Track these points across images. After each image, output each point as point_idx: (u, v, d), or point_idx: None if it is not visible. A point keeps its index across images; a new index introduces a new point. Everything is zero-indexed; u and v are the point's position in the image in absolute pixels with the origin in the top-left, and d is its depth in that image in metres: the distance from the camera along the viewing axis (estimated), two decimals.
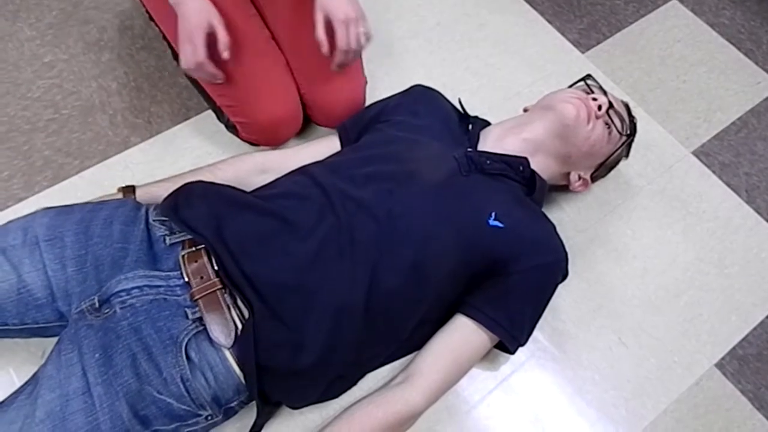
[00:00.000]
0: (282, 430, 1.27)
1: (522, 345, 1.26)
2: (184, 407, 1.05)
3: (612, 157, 1.43)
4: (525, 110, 1.50)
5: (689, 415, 1.37)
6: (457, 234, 1.20)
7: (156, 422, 1.04)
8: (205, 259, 1.14)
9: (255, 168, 1.41)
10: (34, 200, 1.50)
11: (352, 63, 1.44)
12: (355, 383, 1.29)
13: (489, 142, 1.37)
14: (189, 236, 1.17)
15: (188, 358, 1.05)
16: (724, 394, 1.41)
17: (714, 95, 1.86)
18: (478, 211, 1.22)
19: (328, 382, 1.19)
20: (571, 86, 1.48)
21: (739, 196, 1.68)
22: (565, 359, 1.40)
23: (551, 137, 1.35)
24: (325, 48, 1.34)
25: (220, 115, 1.58)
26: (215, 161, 1.46)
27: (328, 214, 1.17)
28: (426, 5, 1.93)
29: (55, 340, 1.12)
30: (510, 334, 1.23)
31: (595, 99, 1.36)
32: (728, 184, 1.69)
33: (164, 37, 1.57)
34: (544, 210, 1.38)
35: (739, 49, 1.96)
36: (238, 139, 1.58)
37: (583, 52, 1.90)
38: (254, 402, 1.13)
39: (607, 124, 1.37)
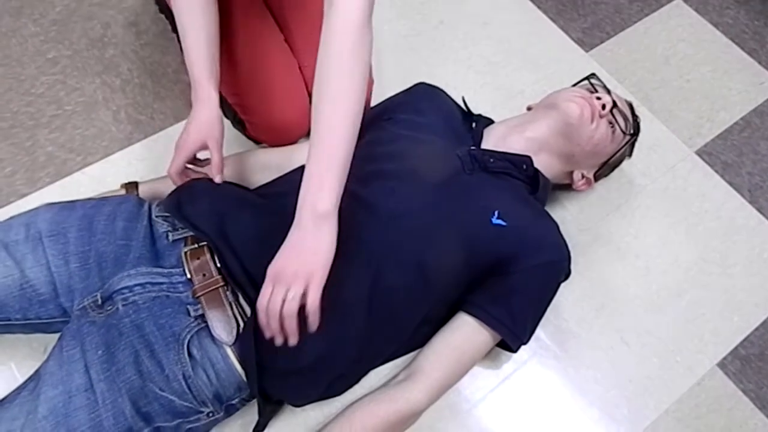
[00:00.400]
0: (284, 428, 1.27)
1: (524, 344, 1.26)
2: (186, 404, 1.06)
3: (615, 157, 1.43)
4: (528, 109, 1.50)
5: (691, 414, 1.37)
6: (460, 232, 1.20)
7: (158, 419, 1.05)
8: (208, 256, 1.14)
9: (257, 165, 1.41)
10: (37, 196, 1.50)
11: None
12: (357, 381, 1.29)
13: (492, 141, 1.37)
14: (192, 233, 1.17)
15: (190, 355, 1.06)
16: (726, 393, 1.41)
17: (717, 95, 1.86)
18: (481, 209, 1.22)
19: (330, 380, 1.19)
20: (574, 85, 1.48)
21: (742, 195, 1.67)
22: (567, 358, 1.40)
23: (555, 136, 1.35)
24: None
25: (227, 112, 1.58)
26: None
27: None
28: (429, 3, 1.93)
29: (57, 336, 1.12)
30: (512, 332, 1.23)
31: (599, 98, 1.36)
32: (731, 184, 1.69)
33: (174, 30, 1.57)
34: (547, 209, 1.38)
35: (742, 48, 1.96)
36: (241, 136, 1.58)
37: (586, 51, 1.90)
38: (256, 399, 1.13)
39: (610, 123, 1.37)
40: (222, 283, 1.11)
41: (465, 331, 1.23)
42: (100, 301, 1.10)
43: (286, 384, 1.13)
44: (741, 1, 2.07)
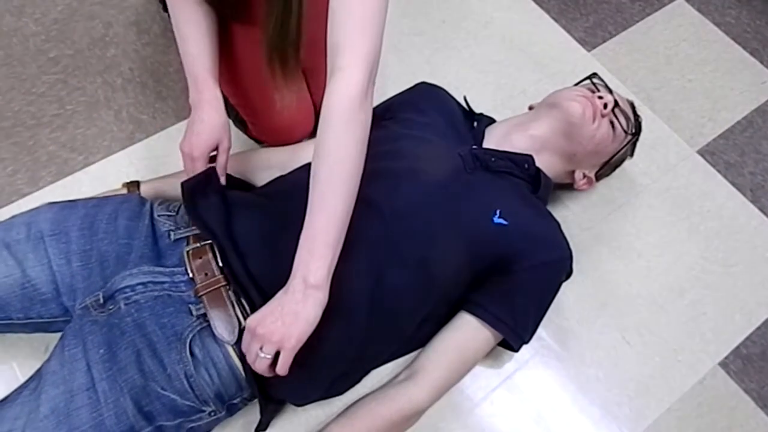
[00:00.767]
0: (286, 427, 1.27)
1: (526, 343, 1.26)
2: (187, 403, 1.06)
3: (617, 156, 1.43)
4: (530, 108, 1.50)
5: (693, 413, 1.37)
6: (462, 231, 1.20)
7: (160, 418, 1.04)
8: (210, 255, 1.13)
9: (260, 164, 1.41)
10: (39, 195, 1.50)
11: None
12: (358, 381, 1.29)
13: (494, 140, 1.37)
14: (194, 232, 1.17)
15: (192, 354, 1.05)
16: (727, 393, 1.41)
17: (719, 94, 1.86)
18: (483, 208, 1.22)
19: (332, 379, 1.18)
20: (576, 84, 1.48)
21: (744, 195, 1.67)
22: (569, 357, 1.40)
23: (557, 135, 1.35)
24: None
25: (228, 111, 1.57)
26: None
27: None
28: (432, 2, 1.93)
29: (58, 335, 1.13)
30: (514, 331, 1.23)
31: (600, 97, 1.36)
32: (733, 183, 1.69)
33: None
34: (549, 207, 1.38)
35: (744, 48, 1.95)
36: (243, 136, 1.58)
37: (588, 51, 1.90)
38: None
39: (612, 122, 1.37)
40: (224, 283, 1.11)
41: (466, 330, 1.23)
42: (102, 301, 1.10)
43: (287, 384, 1.13)
44: (743, 0, 2.06)
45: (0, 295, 1.11)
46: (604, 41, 1.93)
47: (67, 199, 1.25)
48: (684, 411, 1.37)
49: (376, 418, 1.17)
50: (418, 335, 1.27)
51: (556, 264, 1.27)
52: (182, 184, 1.20)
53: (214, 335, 1.07)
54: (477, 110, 1.49)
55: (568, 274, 1.31)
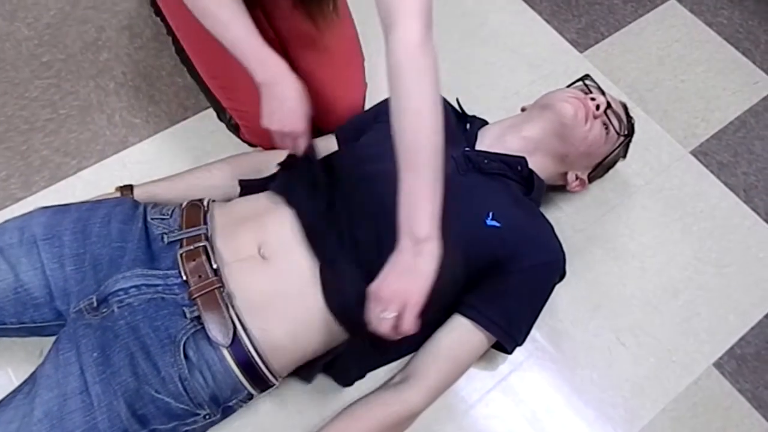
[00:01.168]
0: (282, 430, 1.27)
1: (519, 345, 1.27)
2: (182, 406, 1.05)
3: (609, 158, 1.43)
4: (523, 109, 1.50)
5: (687, 414, 1.37)
6: (455, 234, 1.19)
7: (154, 421, 1.04)
8: (203, 257, 1.13)
9: (253, 168, 1.41)
10: (32, 200, 1.50)
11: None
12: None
13: (487, 142, 1.38)
14: (187, 234, 1.17)
15: (186, 357, 1.05)
16: (722, 393, 1.41)
17: (712, 95, 1.86)
18: (476, 210, 1.22)
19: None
20: (569, 86, 1.48)
21: (737, 195, 1.68)
22: (564, 359, 1.40)
23: (549, 136, 1.35)
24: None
25: (221, 115, 1.58)
26: (213, 161, 1.45)
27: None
28: None
29: (53, 339, 1.12)
30: (507, 334, 1.23)
31: (593, 99, 1.36)
32: (726, 184, 1.69)
33: (169, 32, 1.56)
34: (542, 209, 1.38)
35: (737, 48, 1.96)
36: (236, 139, 1.58)
37: (581, 52, 1.90)
38: (252, 402, 1.13)
39: (604, 124, 1.38)
40: (218, 285, 1.11)
41: (460, 333, 1.23)
42: (95, 304, 1.10)
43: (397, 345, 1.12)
44: (735, 1, 2.07)
45: None
46: (597, 42, 1.94)
47: (61, 203, 1.25)
48: (679, 411, 1.37)
49: (371, 421, 1.17)
50: (417, 336, 1.27)
51: (549, 266, 1.27)
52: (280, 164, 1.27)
53: (208, 338, 1.07)
54: (470, 112, 1.50)
55: (562, 275, 1.31)
